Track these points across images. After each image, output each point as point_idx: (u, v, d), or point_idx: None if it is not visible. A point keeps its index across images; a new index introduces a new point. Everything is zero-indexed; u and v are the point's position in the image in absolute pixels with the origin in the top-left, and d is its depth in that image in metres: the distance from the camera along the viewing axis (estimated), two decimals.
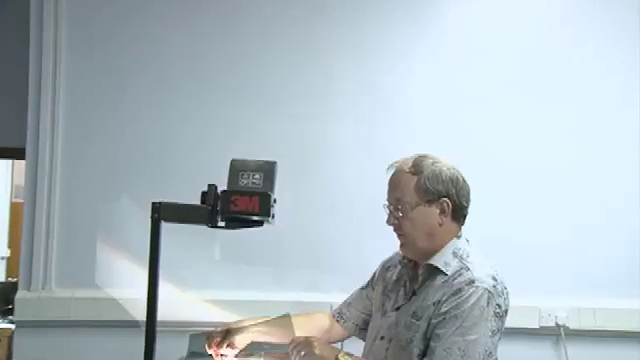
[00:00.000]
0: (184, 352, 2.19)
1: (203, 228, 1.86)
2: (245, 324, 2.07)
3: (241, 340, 2.03)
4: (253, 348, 2.06)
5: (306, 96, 3.30)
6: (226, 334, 2.01)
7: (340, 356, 1.84)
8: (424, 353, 1.81)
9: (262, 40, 3.30)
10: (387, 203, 1.97)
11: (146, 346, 1.76)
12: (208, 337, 2.03)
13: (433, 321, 1.82)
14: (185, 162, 3.22)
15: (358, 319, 2.15)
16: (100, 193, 3.24)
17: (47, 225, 3.22)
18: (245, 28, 3.30)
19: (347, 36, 3.31)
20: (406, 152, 2.02)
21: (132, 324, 2.92)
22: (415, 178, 1.92)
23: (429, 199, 1.91)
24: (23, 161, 3.33)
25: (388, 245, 2.09)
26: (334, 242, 3.21)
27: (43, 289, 3.21)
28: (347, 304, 2.20)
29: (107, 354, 3.14)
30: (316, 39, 3.31)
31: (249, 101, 3.27)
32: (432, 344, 1.80)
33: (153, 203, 1.78)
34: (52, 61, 3.26)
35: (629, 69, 3.31)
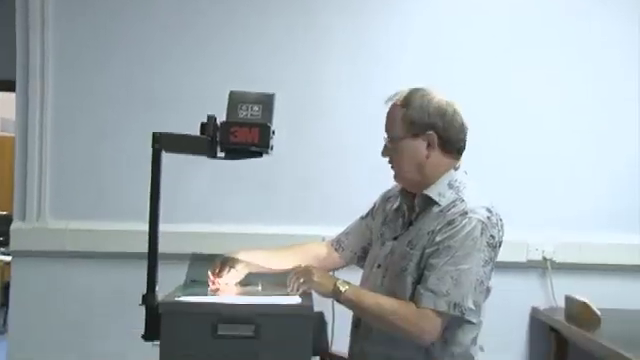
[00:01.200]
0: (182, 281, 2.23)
1: (199, 159, 1.90)
2: (243, 254, 2.11)
3: (240, 270, 2.07)
4: (251, 278, 2.11)
5: (303, 43, 3.30)
6: (225, 264, 2.05)
7: (339, 283, 1.89)
8: (418, 281, 1.86)
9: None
10: (385, 135, 2.00)
11: (148, 274, 1.80)
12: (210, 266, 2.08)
13: (427, 250, 1.87)
14: (184, 100, 3.20)
15: (356, 247, 2.20)
16: (93, 125, 3.24)
17: (40, 156, 3.23)
18: None
19: None
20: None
21: (127, 255, 2.98)
22: (403, 110, 1.94)
23: (415, 132, 1.93)
24: (10, 94, 3.31)
25: (379, 183, 2.14)
26: (327, 179, 3.26)
27: (37, 221, 3.24)
28: (346, 233, 2.24)
29: (101, 284, 3.20)
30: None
31: (248, 47, 3.26)
32: (426, 273, 1.85)
33: (154, 133, 1.80)
34: None
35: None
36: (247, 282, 2.09)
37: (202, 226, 3.17)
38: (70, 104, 3.25)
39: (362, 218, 2.22)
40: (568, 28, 3.35)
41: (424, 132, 1.93)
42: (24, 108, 3.24)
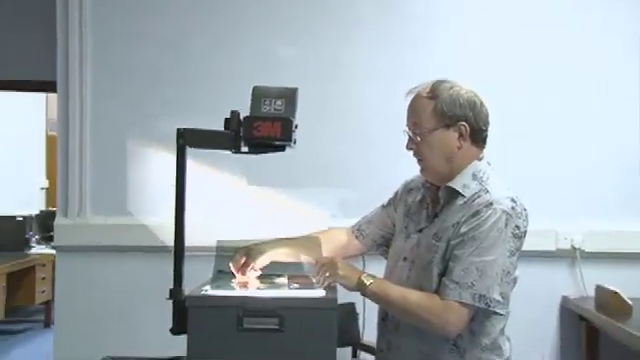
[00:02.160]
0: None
1: (225, 155, 1.84)
2: (266, 244, 2.03)
3: (263, 260, 1.99)
4: (275, 268, 2.04)
5: (324, 21, 3.22)
6: (248, 254, 1.97)
7: (363, 277, 1.81)
8: (444, 273, 1.77)
9: None
10: (406, 129, 1.91)
11: (175, 269, 1.74)
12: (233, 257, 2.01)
13: (452, 242, 1.78)
14: (212, 91, 3.16)
15: (376, 235, 2.10)
16: (129, 123, 3.21)
17: (80, 155, 3.22)
18: None
19: None
20: (427, 77, 1.94)
21: (162, 249, 2.93)
22: (432, 102, 1.84)
23: (447, 123, 1.84)
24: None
25: (405, 169, 2.02)
26: (351, 166, 3.17)
27: (79, 216, 3.23)
28: (367, 221, 2.14)
29: (142, 276, 3.17)
30: None
31: (275, 30, 3.20)
32: (451, 264, 1.76)
33: (178, 129, 1.74)
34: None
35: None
36: (272, 273, 2.02)
37: (226, 218, 3.09)
38: (107, 104, 3.23)
39: (383, 207, 2.12)
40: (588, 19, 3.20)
41: (455, 123, 1.84)
42: (65, 109, 3.23)
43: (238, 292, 1.83)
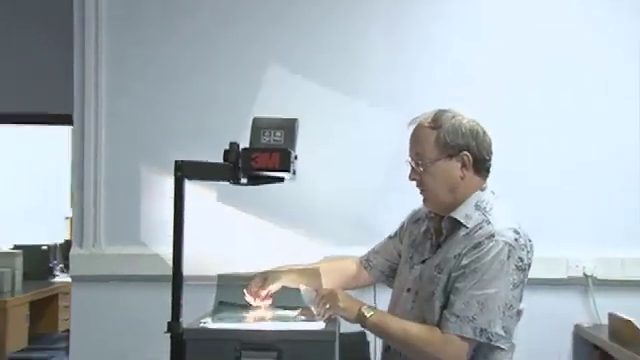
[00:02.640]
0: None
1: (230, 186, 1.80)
2: (281, 272, 2.01)
3: (276, 286, 1.97)
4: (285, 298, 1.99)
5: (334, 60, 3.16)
6: (267, 280, 1.94)
7: (364, 309, 1.75)
8: (445, 306, 1.70)
9: (293, 5, 3.17)
10: (409, 159, 1.85)
11: (173, 302, 1.70)
12: (248, 284, 1.96)
13: (453, 274, 1.71)
14: (222, 121, 3.09)
15: (384, 266, 2.05)
16: (143, 156, 3.18)
17: (95, 186, 3.18)
18: None
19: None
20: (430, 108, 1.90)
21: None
22: (435, 132, 1.79)
23: (450, 153, 1.78)
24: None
25: (412, 200, 1.97)
26: (357, 197, 3.07)
27: (94, 246, 3.20)
28: (374, 251, 2.10)
29: (153, 306, 3.08)
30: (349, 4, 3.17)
31: (280, 65, 3.14)
32: (452, 297, 1.69)
33: (176, 161, 1.71)
34: (94, 33, 3.19)
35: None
36: (284, 305, 1.97)
37: (228, 247, 3.02)
38: (122, 136, 3.21)
39: (390, 238, 2.07)
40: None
41: (458, 153, 1.78)
42: (80, 140, 3.21)
43: (236, 325, 1.78)
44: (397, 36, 3.15)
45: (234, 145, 1.75)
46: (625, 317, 2.76)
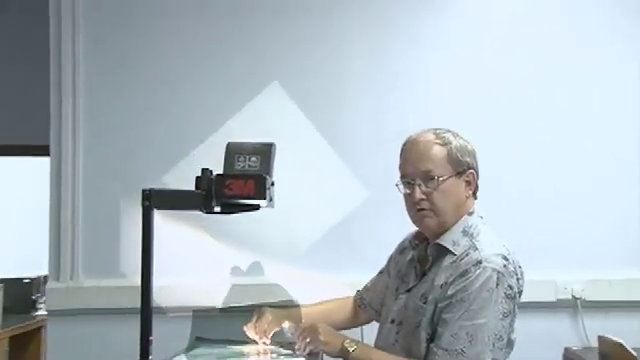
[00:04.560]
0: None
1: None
2: (281, 311, 1.92)
3: (275, 322, 1.88)
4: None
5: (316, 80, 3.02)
6: (272, 319, 1.84)
7: (346, 343, 1.61)
8: (432, 338, 1.56)
9: (273, 26, 3.04)
10: (407, 178, 1.70)
11: (142, 338, 1.54)
12: (254, 320, 1.87)
13: (440, 305, 1.57)
14: (205, 150, 2.96)
15: (377, 303, 1.93)
16: (122, 188, 3.03)
17: (72, 218, 3.02)
18: (254, 18, 3.05)
19: (358, 18, 3.03)
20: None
21: (158, 311, 2.72)
22: (445, 149, 1.67)
23: (459, 170, 1.67)
24: None
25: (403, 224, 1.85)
26: (349, 222, 2.92)
27: (71, 279, 3.02)
28: (367, 289, 1.99)
29: (134, 340, 2.93)
30: (327, 23, 3.04)
31: (257, 87, 3.01)
32: (439, 329, 1.55)
33: (143, 190, 1.57)
34: (71, 63, 3.06)
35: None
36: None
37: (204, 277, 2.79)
38: (99, 166, 3.05)
39: (380, 273, 1.95)
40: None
41: (466, 171, 1.67)
42: (57, 171, 3.06)
43: None
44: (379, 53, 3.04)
45: (206, 171, 1.62)
46: (615, 339, 2.63)
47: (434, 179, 1.65)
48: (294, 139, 2.87)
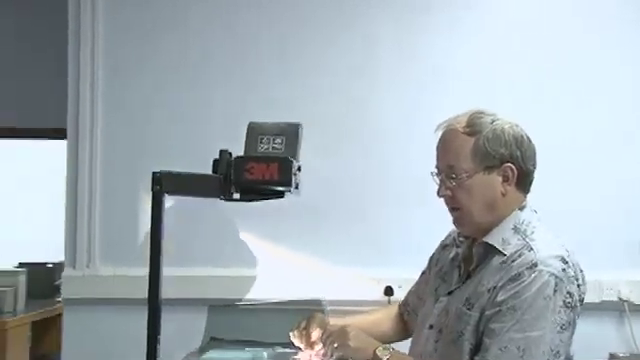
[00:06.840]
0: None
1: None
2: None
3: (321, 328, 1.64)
4: None
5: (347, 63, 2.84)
6: (310, 323, 1.62)
7: (378, 351, 1.39)
8: (477, 349, 1.33)
9: (302, 7, 2.87)
10: (436, 171, 1.49)
11: (149, 325, 1.40)
12: (302, 327, 1.64)
13: (487, 312, 1.34)
14: (224, 134, 2.79)
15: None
16: (138, 174, 2.84)
17: (89, 204, 2.87)
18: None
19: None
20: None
21: (175, 301, 2.56)
22: (472, 140, 1.43)
23: (489, 165, 1.42)
24: None
25: (436, 221, 1.62)
26: (374, 217, 2.74)
27: (88, 267, 2.87)
28: (412, 292, 1.75)
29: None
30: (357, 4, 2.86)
31: (287, 66, 2.85)
32: (486, 340, 1.32)
33: (154, 173, 1.37)
34: (90, 46, 2.91)
35: None
36: None
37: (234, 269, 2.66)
38: (118, 152, 2.90)
39: (423, 273, 1.71)
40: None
41: (500, 165, 1.42)
42: (74, 156, 2.91)
43: None
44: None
45: (225, 153, 1.41)
46: None
47: (456, 175, 1.44)
48: (321, 127, 2.68)
